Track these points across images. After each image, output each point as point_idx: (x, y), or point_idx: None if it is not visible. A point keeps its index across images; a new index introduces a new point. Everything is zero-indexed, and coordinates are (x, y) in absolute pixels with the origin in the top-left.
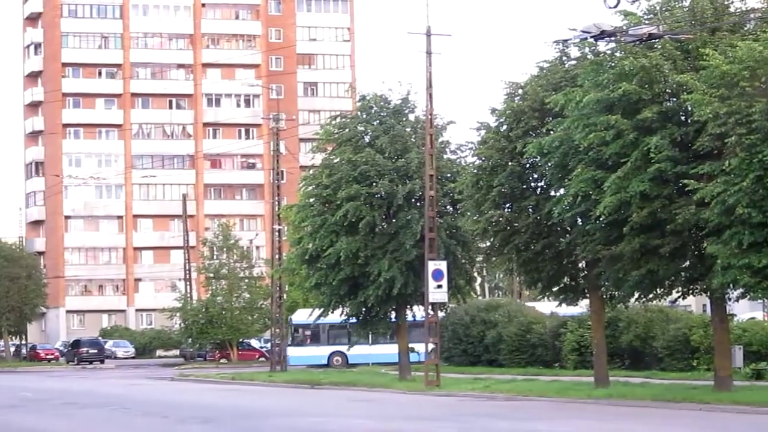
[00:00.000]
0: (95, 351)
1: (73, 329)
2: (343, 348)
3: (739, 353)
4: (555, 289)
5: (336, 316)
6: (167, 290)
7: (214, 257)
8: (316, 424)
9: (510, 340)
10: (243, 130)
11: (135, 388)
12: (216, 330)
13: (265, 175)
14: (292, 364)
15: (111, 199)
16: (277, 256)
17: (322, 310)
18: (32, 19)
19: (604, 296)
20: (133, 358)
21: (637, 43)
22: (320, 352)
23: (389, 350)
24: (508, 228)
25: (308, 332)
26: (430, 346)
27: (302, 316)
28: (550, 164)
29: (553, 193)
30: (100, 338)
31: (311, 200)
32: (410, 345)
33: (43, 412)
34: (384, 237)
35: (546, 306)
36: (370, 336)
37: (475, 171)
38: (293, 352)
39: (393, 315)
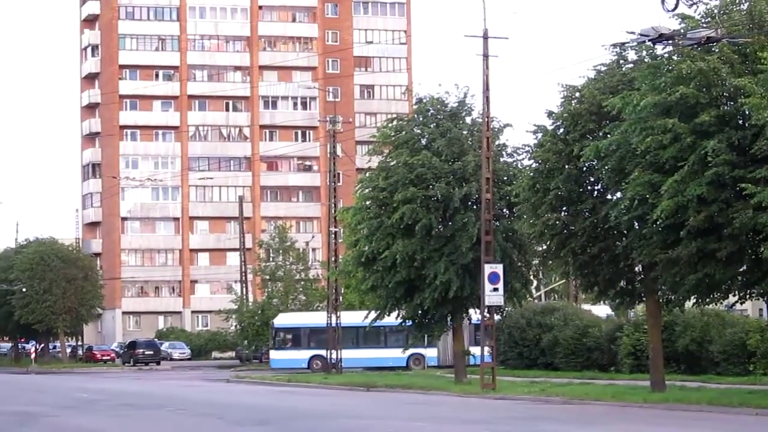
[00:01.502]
0: (151, 352)
1: (129, 330)
2: (323, 352)
3: None
4: (611, 292)
5: (316, 320)
6: (223, 292)
7: (271, 259)
8: (371, 426)
9: (566, 343)
10: (299, 132)
11: (190, 390)
12: None
13: (321, 177)
14: (274, 367)
15: (167, 201)
16: (333, 259)
17: (378, 312)
18: (89, 21)
19: (661, 300)
20: (188, 359)
21: (695, 46)
22: (301, 356)
23: (372, 354)
24: (565, 231)
25: (289, 336)
26: (486, 349)
27: (284, 319)
28: (606, 168)
29: (609, 197)
30: (156, 340)
31: (368, 203)
32: (466, 348)
33: (99, 413)
34: (440, 240)
35: (601, 309)
36: (355, 340)
37: (532, 174)
38: (275, 355)
39: (449, 318)
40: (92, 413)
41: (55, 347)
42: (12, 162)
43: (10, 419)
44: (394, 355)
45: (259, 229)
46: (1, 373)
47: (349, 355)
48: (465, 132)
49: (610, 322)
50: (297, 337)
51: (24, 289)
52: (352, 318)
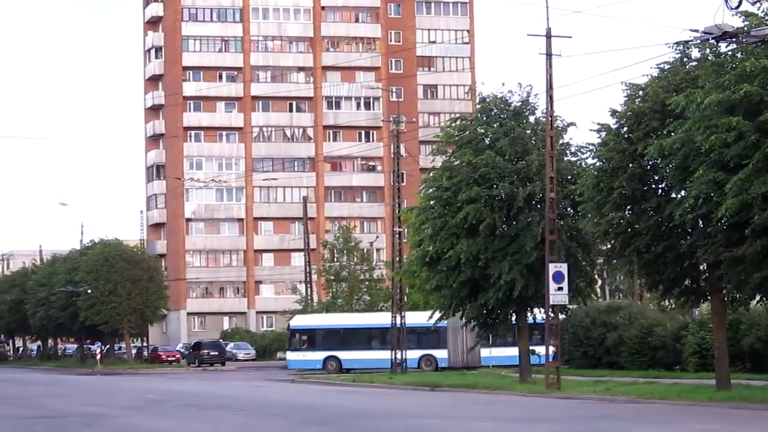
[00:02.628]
0: (216, 353)
1: (194, 331)
2: (338, 353)
3: None
4: (676, 291)
5: (331, 321)
6: (288, 292)
7: (335, 259)
8: (436, 426)
9: (631, 342)
10: (363, 132)
11: (255, 390)
12: None
13: (385, 177)
14: (290, 368)
15: (232, 202)
16: (397, 259)
17: (442, 312)
18: (153, 23)
19: (726, 298)
20: (253, 360)
21: (759, 43)
22: (316, 357)
23: (384, 356)
24: (629, 230)
25: (305, 337)
26: (551, 348)
27: (300, 321)
28: (671, 166)
29: (674, 195)
30: (220, 340)
31: (431, 202)
32: (531, 347)
33: (165, 414)
34: (504, 239)
35: None
36: (365, 344)
37: (596, 173)
38: (291, 356)
39: (513, 317)
40: (157, 414)
41: (120, 348)
42: (77, 164)
43: (76, 420)
44: (407, 356)
45: (323, 229)
46: (66, 375)
47: (361, 356)
48: (528, 131)
49: (675, 320)
50: (312, 339)
51: (89, 291)
52: (368, 320)
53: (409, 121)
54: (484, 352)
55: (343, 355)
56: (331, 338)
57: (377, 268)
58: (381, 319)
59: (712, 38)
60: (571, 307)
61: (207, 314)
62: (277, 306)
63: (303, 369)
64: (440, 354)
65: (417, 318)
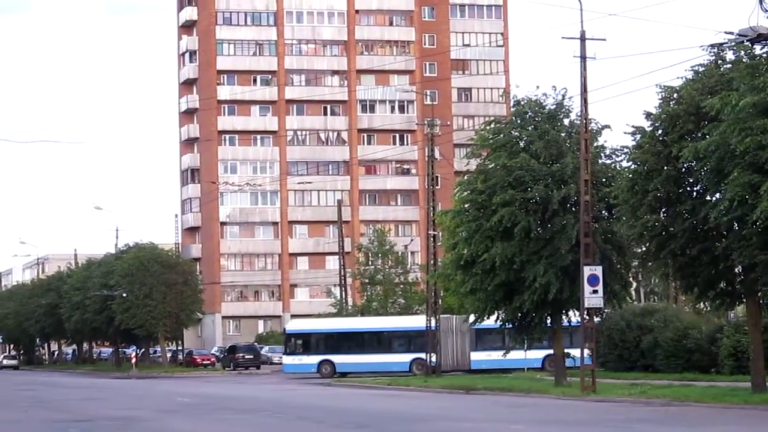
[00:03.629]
0: (251, 356)
1: (229, 335)
2: (331, 356)
3: None
4: (711, 293)
5: (325, 325)
6: (322, 296)
7: (370, 263)
8: (472, 429)
9: (666, 345)
10: (397, 135)
11: (291, 393)
12: None
13: (419, 180)
14: (287, 372)
15: (266, 206)
16: (432, 262)
17: (477, 315)
18: (187, 27)
19: (761, 301)
20: None
21: None
22: (311, 360)
23: (377, 359)
24: (664, 233)
25: (300, 341)
26: (586, 351)
27: (295, 325)
28: (706, 169)
29: (709, 198)
30: (256, 344)
31: (466, 206)
32: (566, 350)
33: (200, 417)
34: (539, 242)
35: None
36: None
37: (631, 175)
38: (287, 360)
39: (548, 320)
40: (193, 417)
41: (155, 352)
42: (112, 168)
43: (109, 424)
44: (399, 359)
45: (357, 232)
46: (101, 378)
47: (355, 360)
48: (563, 134)
49: (711, 323)
50: (307, 343)
51: (124, 295)
52: (361, 324)
53: (444, 124)
54: (474, 356)
55: (337, 358)
56: (325, 342)
57: (412, 272)
58: (374, 323)
59: (747, 40)
60: (606, 310)
61: (242, 318)
62: (312, 309)
63: (298, 373)
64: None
65: (407, 322)
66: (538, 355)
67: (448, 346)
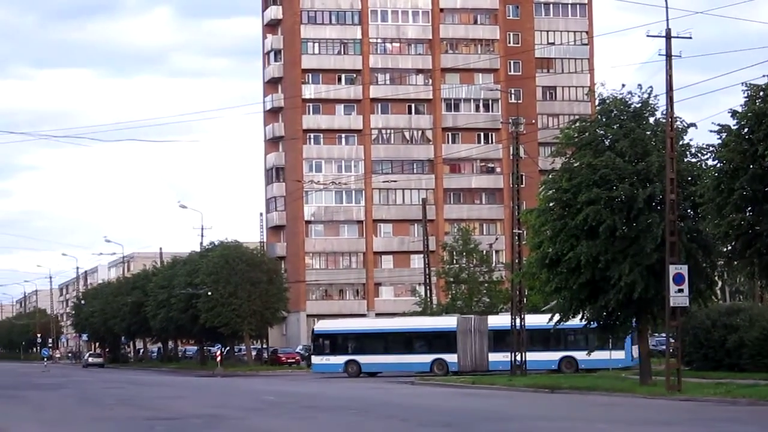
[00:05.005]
0: None
1: None
2: (357, 357)
3: None
4: None
5: (352, 325)
6: (407, 294)
7: (454, 261)
8: (556, 429)
9: (752, 344)
10: (482, 134)
11: (375, 392)
12: None
13: (504, 179)
14: (315, 371)
15: (351, 204)
16: (516, 260)
17: (561, 314)
18: (272, 26)
19: None
20: None
21: None
22: (338, 360)
23: (402, 360)
24: (750, 231)
25: (327, 341)
26: (672, 350)
27: (323, 326)
28: None
29: None
30: None
31: (551, 204)
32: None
33: (285, 416)
34: (624, 241)
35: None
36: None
37: (716, 174)
38: (315, 360)
39: (633, 319)
40: (278, 415)
41: (240, 350)
42: (197, 167)
43: (196, 422)
44: (421, 360)
45: (442, 231)
46: (186, 376)
47: (380, 360)
48: (648, 132)
49: None
50: (334, 343)
51: (209, 293)
52: (386, 325)
53: (528, 122)
54: (492, 357)
55: (362, 359)
56: (351, 342)
57: (496, 270)
58: (396, 324)
59: None
60: (691, 309)
61: (326, 316)
62: (397, 308)
63: (326, 372)
64: (450, 358)
65: (428, 323)
66: (554, 356)
67: (467, 347)
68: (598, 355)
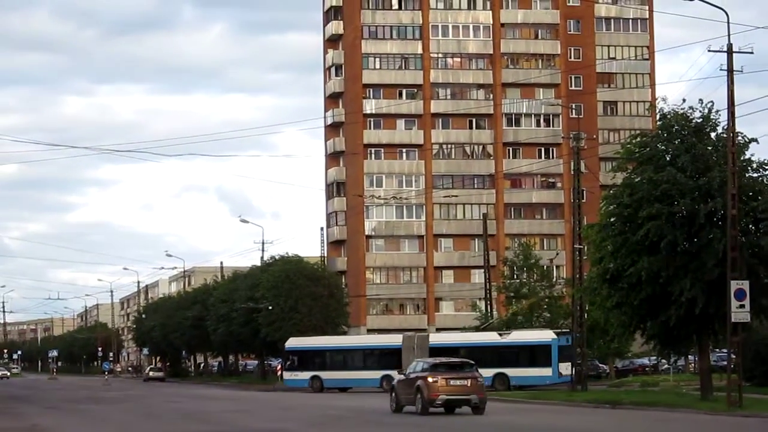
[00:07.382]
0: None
1: None
2: (320, 373)
3: None
4: None
5: (318, 343)
6: (467, 309)
7: (515, 276)
8: None
9: None
10: (542, 149)
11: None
12: None
13: (565, 194)
14: (287, 385)
15: (412, 219)
16: (577, 276)
17: (622, 330)
18: (333, 41)
19: None
20: None
21: None
22: (304, 376)
23: (361, 376)
24: None
25: (295, 357)
26: (733, 366)
27: (293, 342)
28: None
29: None
30: None
31: (612, 219)
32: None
33: (345, 430)
34: (685, 256)
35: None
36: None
37: None
38: (286, 375)
39: (695, 335)
40: (338, 430)
41: None
42: (259, 181)
43: None
44: (372, 376)
45: (502, 246)
46: (247, 390)
47: (340, 376)
48: (710, 148)
49: None
50: (302, 359)
51: (270, 307)
52: (348, 342)
53: (590, 137)
54: None
55: (324, 374)
56: (315, 359)
57: (557, 285)
58: (350, 341)
59: None
60: (753, 324)
61: (387, 331)
62: (457, 323)
63: (295, 387)
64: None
65: (378, 340)
66: (488, 373)
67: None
68: (528, 371)
